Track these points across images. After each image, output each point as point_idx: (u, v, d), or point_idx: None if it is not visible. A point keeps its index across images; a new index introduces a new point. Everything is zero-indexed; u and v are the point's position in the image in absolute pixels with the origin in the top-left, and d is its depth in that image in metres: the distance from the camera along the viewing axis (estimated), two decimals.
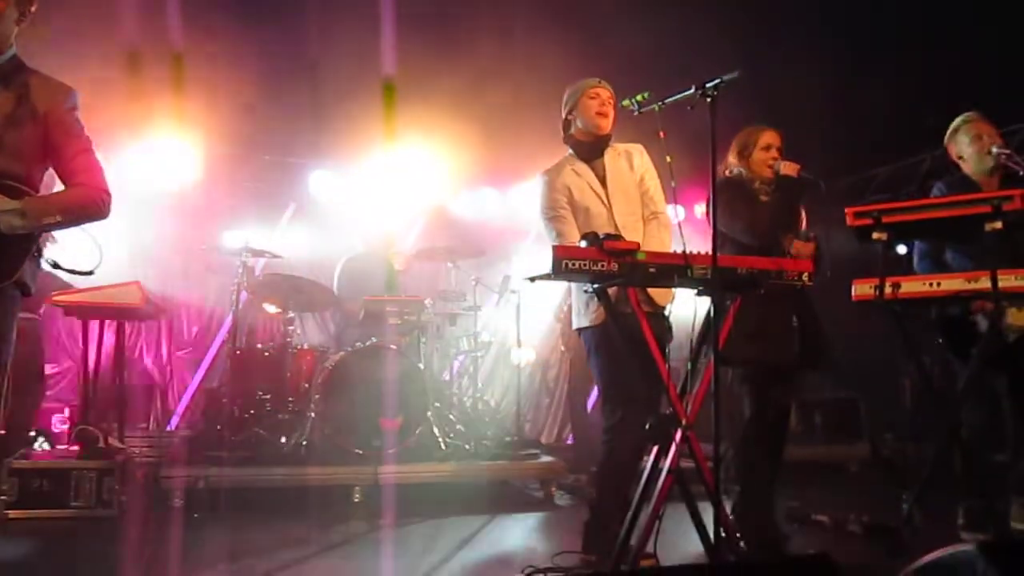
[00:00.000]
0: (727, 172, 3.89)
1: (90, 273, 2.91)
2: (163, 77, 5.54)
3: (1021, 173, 3.70)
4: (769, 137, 3.86)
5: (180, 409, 7.17)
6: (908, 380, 6.36)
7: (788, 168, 3.72)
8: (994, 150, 3.94)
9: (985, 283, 3.52)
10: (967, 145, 4.07)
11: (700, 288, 3.05)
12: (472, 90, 5.79)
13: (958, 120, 4.15)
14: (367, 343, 5.38)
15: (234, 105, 5.64)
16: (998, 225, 3.47)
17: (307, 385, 5.53)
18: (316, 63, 5.96)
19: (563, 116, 3.64)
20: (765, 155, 3.82)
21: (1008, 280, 3.52)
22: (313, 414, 5.28)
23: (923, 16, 5.25)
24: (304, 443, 5.18)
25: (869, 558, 3.38)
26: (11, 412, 4.49)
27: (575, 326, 3.60)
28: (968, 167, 4.10)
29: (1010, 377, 3.92)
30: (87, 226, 2.87)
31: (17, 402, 4.48)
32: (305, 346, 5.84)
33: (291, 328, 5.79)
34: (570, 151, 3.63)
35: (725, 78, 2.91)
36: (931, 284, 3.69)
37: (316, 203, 7.36)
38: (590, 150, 3.58)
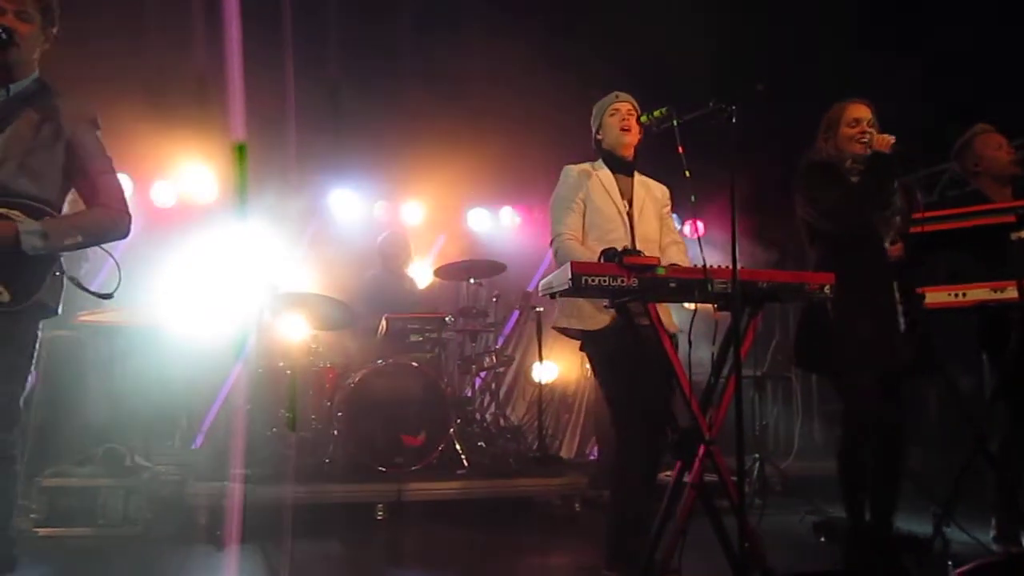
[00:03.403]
0: (815, 158, 3.58)
1: (110, 296, 2.94)
2: (186, 98, 5.62)
3: None
4: (856, 110, 3.52)
5: (204, 427, 7.21)
6: (933, 389, 6.29)
7: (880, 142, 3.40)
8: (1020, 158, 3.92)
9: (1012, 293, 3.50)
10: (987, 156, 4.03)
11: (720, 303, 3.03)
12: (496, 109, 5.83)
13: (970, 132, 4.11)
14: (388, 360, 5.40)
15: (257, 125, 5.71)
16: (1023, 234, 3.45)
17: (329, 403, 5.55)
18: (337, 84, 6.02)
19: (593, 135, 3.66)
20: (852, 131, 3.49)
21: None
22: (336, 432, 5.29)
23: (928, 27, 5.25)
24: (327, 460, 5.19)
25: (899, 570, 3.32)
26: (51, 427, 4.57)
27: (565, 326, 3.50)
28: (982, 181, 4.06)
29: None
30: (110, 248, 2.90)
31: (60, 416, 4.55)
32: (327, 364, 5.87)
33: (313, 347, 5.82)
34: (601, 160, 3.63)
35: (745, 94, 2.91)
36: (957, 294, 3.67)
37: (337, 221, 7.41)
38: (620, 165, 3.59)
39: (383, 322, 5.68)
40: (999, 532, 3.87)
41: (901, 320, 3.44)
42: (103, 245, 2.88)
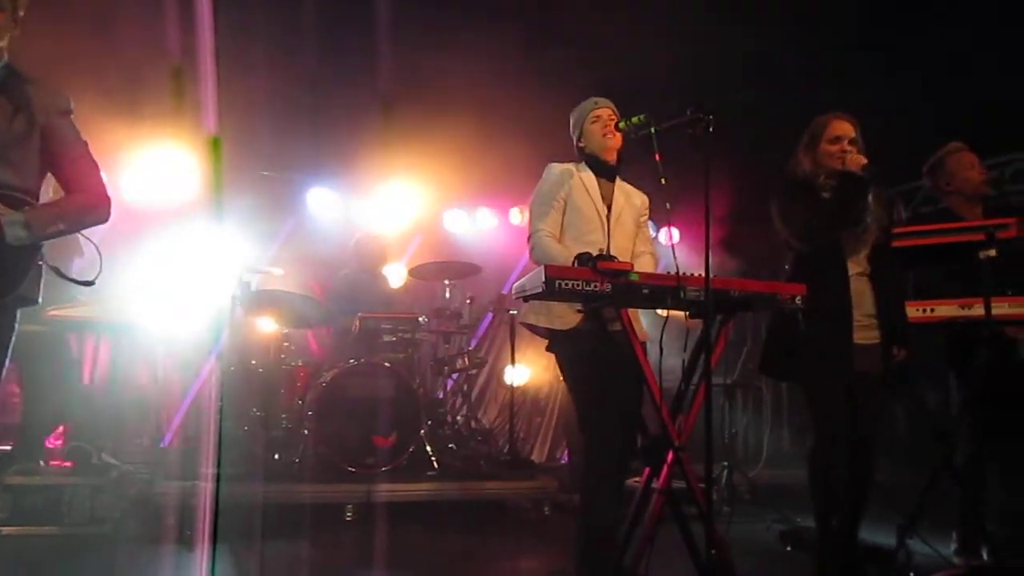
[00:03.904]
0: (794, 171, 3.58)
1: (91, 283, 2.90)
2: (163, 90, 5.55)
3: (1014, 202, 3.73)
4: (838, 127, 3.49)
5: (174, 425, 7.14)
6: (902, 405, 6.36)
7: (853, 162, 3.38)
8: (991, 177, 3.97)
9: (979, 310, 3.54)
10: (960, 175, 4.09)
11: (693, 310, 3.05)
12: (470, 111, 5.82)
13: (944, 151, 4.16)
14: (361, 360, 5.37)
15: (234, 119, 5.67)
16: (992, 253, 3.50)
17: (301, 402, 5.52)
18: (316, 81, 5.98)
19: (574, 142, 3.66)
20: (832, 147, 3.46)
21: (1001, 307, 3.55)
22: (307, 431, 5.26)
23: (905, 45, 5.32)
24: (297, 460, 5.16)
25: None
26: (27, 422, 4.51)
27: (532, 322, 3.48)
28: (953, 198, 4.11)
29: (1007, 400, 3.93)
30: (91, 235, 2.88)
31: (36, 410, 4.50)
32: (299, 363, 5.83)
33: (286, 344, 5.78)
34: (584, 162, 3.64)
35: (722, 102, 2.93)
36: (925, 310, 3.71)
37: (313, 220, 7.37)
38: (603, 169, 3.60)
39: (357, 321, 5.65)
40: (961, 545, 3.92)
41: (877, 333, 3.46)
42: (83, 232, 2.85)
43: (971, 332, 3.70)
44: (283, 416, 5.50)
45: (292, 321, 5.85)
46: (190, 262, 6.57)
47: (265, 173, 7.21)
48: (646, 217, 3.69)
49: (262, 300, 5.79)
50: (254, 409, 5.48)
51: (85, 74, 4.39)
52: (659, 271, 3.46)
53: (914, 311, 3.69)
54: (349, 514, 4.74)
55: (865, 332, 3.43)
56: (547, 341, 3.53)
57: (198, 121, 5.64)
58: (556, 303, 3.37)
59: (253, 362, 5.74)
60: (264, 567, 3.82)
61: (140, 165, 6.56)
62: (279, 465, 5.16)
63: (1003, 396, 3.90)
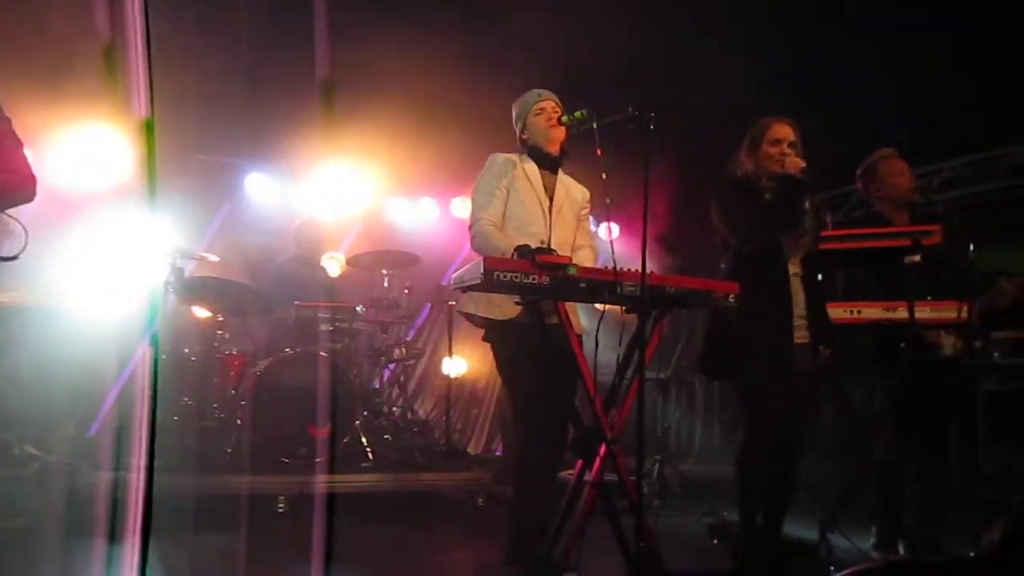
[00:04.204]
0: (736, 171, 3.62)
1: (14, 258, 2.81)
2: (92, 69, 5.38)
3: (940, 210, 3.85)
4: (779, 130, 3.54)
5: (101, 414, 6.94)
6: (829, 403, 6.54)
7: (792, 166, 3.44)
8: (919, 185, 4.10)
9: (903, 313, 3.66)
10: (889, 182, 4.21)
11: (629, 305, 3.09)
12: (413, 99, 5.78)
13: (875, 157, 4.28)
14: (297, 349, 5.31)
15: (168, 101, 5.52)
16: (917, 258, 3.62)
17: (234, 391, 5.43)
18: (254, 63, 5.87)
19: (517, 134, 3.66)
20: (773, 150, 3.51)
21: (924, 311, 3.68)
22: (239, 421, 5.18)
23: (841, 53, 5.45)
24: (229, 450, 5.08)
25: (785, 574, 3.45)
26: None
27: (471, 311, 3.49)
28: (883, 204, 4.24)
29: (925, 400, 4.08)
30: (15, 212, 2.79)
31: None
32: (233, 351, 5.73)
33: (219, 333, 5.68)
34: (526, 153, 3.64)
35: (664, 101, 2.97)
36: (852, 311, 3.82)
37: (251, 205, 7.23)
38: (544, 161, 3.61)
39: (293, 310, 5.58)
40: (879, 540, 4.05)
41: (807, 333, 3.54)
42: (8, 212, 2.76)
43: (895, 334, 3.83)
44: (215, 405, 5.41)
45: (227, 309, 5.75)
46: (121, 246, 6.40)
47: (201, 157, 7.05)
48: (587, 211, 3.72)
49: (196, 287, 5.68)
50: (186, 398, 5.38)
51: (9, 51, 4.24)
52: (598, 265, 3.50)
53: (842, 312, 3.78)
54: (281, 506, 4.68)
55: (797, 332, 3.51)
56: (484, 331, 3.53)
57: (129, 102, 5.48)
58: (495, 293, 3.37)
59: (186, 350, 5.63)
60: (193, 560, 3.75)
61: (69, 146, 6.36)
62: (210, 456, 5.07)
63: (923, 397, 4.05)
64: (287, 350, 5.32)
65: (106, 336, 6.43)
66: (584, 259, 3.57)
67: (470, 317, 3.52)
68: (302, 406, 5.10)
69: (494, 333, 3.48)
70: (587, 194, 3.71)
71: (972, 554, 3.33)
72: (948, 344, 4.02)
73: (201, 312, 5.82)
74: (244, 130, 6.53)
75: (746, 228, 3.50)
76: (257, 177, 7.17)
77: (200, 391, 5.43)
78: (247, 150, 7.01)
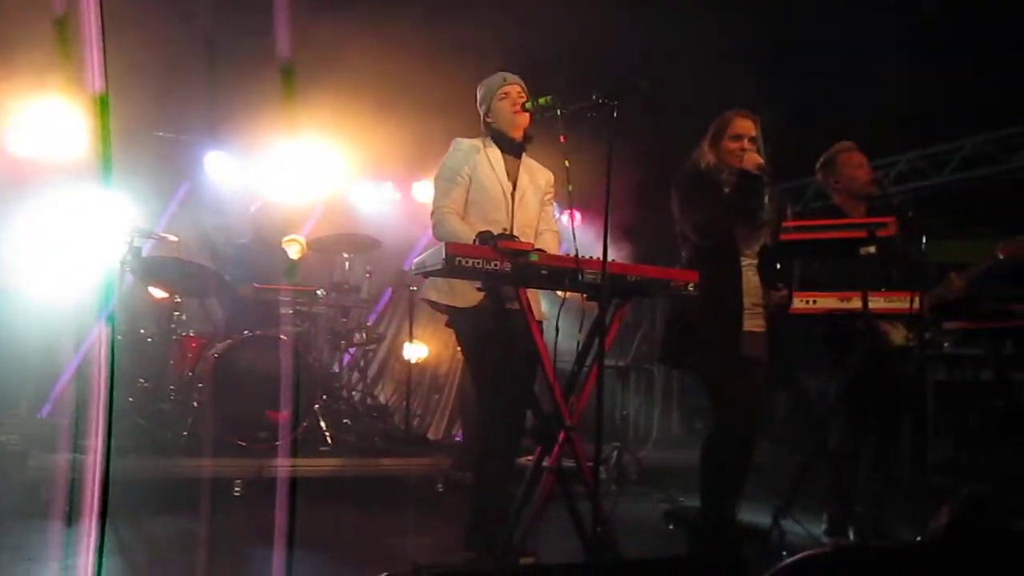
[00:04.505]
0: (698, 163, 3.65)
1: None
2: (42, 44, 5.23)
3: (895, 202, 3.92)
4: (740, 125, 3.59)
5: (53, 395, 6.81)
6: (783, 391, 6.65)
7: (750, 161, 3.50)
8: (876, 178, 4.17)
9: (857, 303, 3.73)
10: (847, 174, 4.28)
11: (590, 293, 3.10)
12: (375, 81, 5.72)
13: (834, 149, 4.35)
14: (255, 332, 5.26)
15: (125, 76, 5.40)
16: (872, 250, 3.68)
17: (191, 373, 5.36)
18: (213, 40, 5.76)
19: (481, 116, 3.65)
20: (733, 145, 3.56)
21: (877, 302, 3.75)
22: (196, 404, 5.12)
23: (802, 47, 5.51)
24: (185, 434, 5.02)
25: (738, 560, 3.50)
26: None
27: (434, 299, 3.49)
28: (841, 196, 4.31)
29: (877, 390, 4.17)
30: None
31: None
32: (191, 333, 5.66)
33: (176, 314, 5.59)
34: (490, 137, 3.62)
35: (628, 89, 2.97)
36: (808, 301, 3.89)
37: (210, 185, 7.11)
38: (508, 145, 3.60)
39: (252, 292, 5.51)
40: (830, 526, 4.15)
41: (762, 321, 3.59)
42: None
43: (849, 324, 3.90)
44: (172, 387, 5.33)
45: (185, 290, 5.66)
46: (76, 224, 6.27)
47: (160, 134, 6.92)
48: (550, 195, 3.72)
49: (153, 267, 5.58)
50: (141, 380, 5.30)
51: None
52: (561, 251, 3.52)
53: (798, 302, 3.84)
54: (238, 489, 4.65)
55: (752, 320, 3.56)
56: (447, 317, 3.53)
57: (82, 76, 5.34)
58: (458, 280, 3.37)
59: (142, 331, 5.53)
60: (147, 543, 3.71)
61: (22, 118, 6.19)
62: (166, 438, 5.01)
63: (874, 386, 4.14)
64: (246, 332, 5.26)
65: (60, 316, 6.32)
66: (547, 243, 3.57)
67: (434, 305, 3.52)
68: (260, 389, 5.05)
69: (457, 320, 3.48)
70: (551, 178, 3.71)
71: (919, 539, 3.42)
72: (899, 335, 4.11)
73: (158, 292, 5.72)
74: (204, 108, 6.43)
75: (702, 224, 3.55)
76: (217, 156, 7.06)
77: (156, 373, 5.36)
78: (207, 128, 6.89)
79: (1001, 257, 4.23)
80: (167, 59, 5.70)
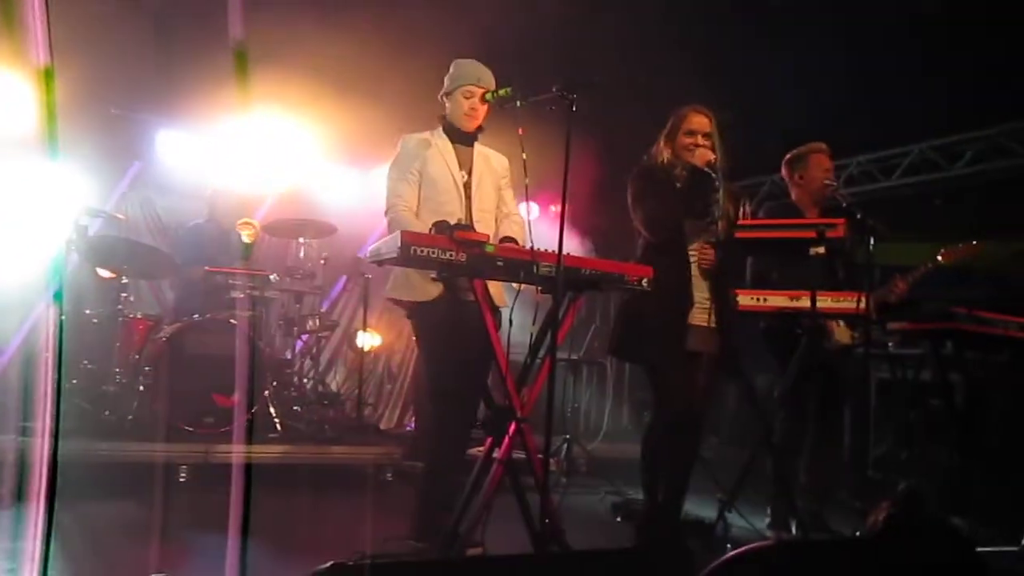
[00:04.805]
0: (654, 158, 3.69)
1: None
2: None
3: (844, 204, 4.00)
4: (695, 121, 3.64)
5: None
6: (732, 386, 6.76)
7: (699, 158, 3.54)
8: (828, 182, 4.25)
9: (805, 302, 3.81)
10: (812, 174, 4.35)
11: (544, 286, 3.11)
12: (335, 65, 5.65)
13: (807, 148, 4.43)
14: (205, 316, 5.18)
15: (75, 51, 5.25)
16: (821, 250, 3.76)
17: (137, 356, 5.27)
18: (164, 16, 5.62)
19: (441, 92, 3.63)
20: (687, 140, 3.61)
21: (825, 301, 3.83)
22: (142, 387, 5.03)
23: (765, 47, 5.58)
24: (130, 417, 4.93)
25: (684, 552, 3.55)
26: None
27: (396, 296, 3.51)
28: (798, 193, 4.39)
29: (820, 387, 4.26)
30: None
31: None
32: (138, 315, 5.55)
33: (124, 295, 5.48)
34: (440, 128, 3.62)
35: (587, 82, 2.98)
36: (758, 299, 3.95)
37: (163, 165, 6.97)
38: (459, 135, 3.60)
39: (203, 275, 5.43)
40: (773, 519, 4.23)
41: (713, 318, 3.63)
42: None
43: (796, 321, 3.98)
44: (117, 370, 5.23)
45: (133, 271, 5.55)
46: (23, 200, 6.10)
47: (113, 111, 6.75)
48: (507, 179, 3.71)
49: (101, 247, 5.46)
50: (85, 361, 5.19)
51: None
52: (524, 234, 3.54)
53: (748, 300, 3.91)
54: (183, 475, 4.59)
55: (702, 315, 3.61)
56: (407, 311, 3.54)
57: (26, 48, 5.17)
58: (415, 276, 3.38)
59: (87, 312, 5.41)
60: (87, 529, 3.64)
61: None
62: (110, 422, 4.91)
63: (818, 383, 4.24)
64: (196, 316, 5.18)
65: (3, 295, 6.14)
66: (511, 228, 3.59)
67: (398, 302, 3.53)
68: (209, 374, 4.99)
69: (415, 315, 3.50)
70: (506, 162, 3.71)
71: (859, 534, 3.51)
72: (843, 334, 4.21)
73: (105, 273, 5.60)
74: (157, 86, 6.27)
75: (651, 217, 3.60)
76: (170, 135, 6.91)
77: (101, 355, 5.25)
78: (160, 107, 6.74)
79: (941, 262, 4.36)
80: (118, 35, 5.56)
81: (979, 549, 3.23)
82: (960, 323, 4.10)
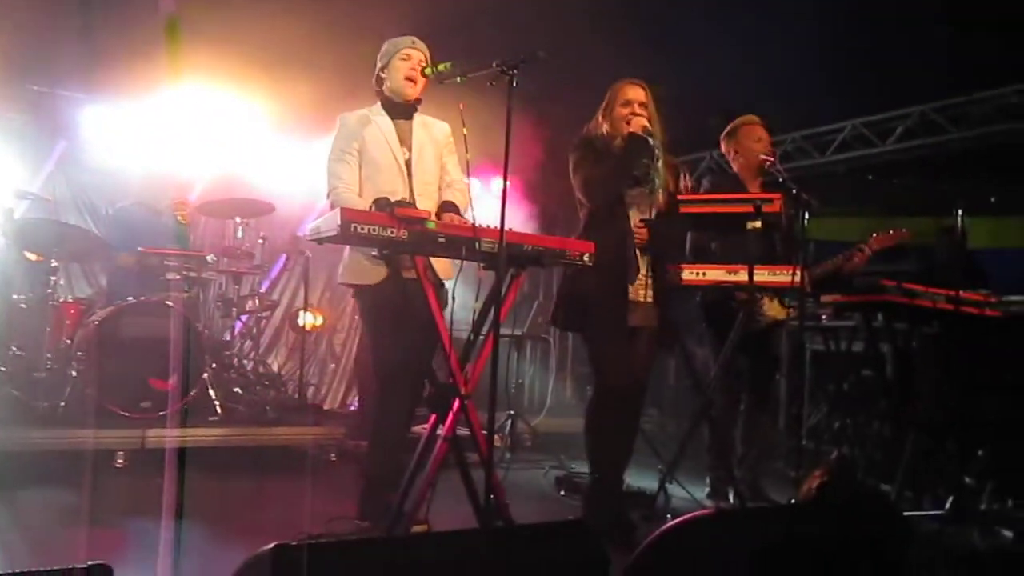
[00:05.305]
0: (593, 133, 3.71)
1: None
2: None
3: (781, 179, 4.08)
4: (629, 91, 3.67)
5: None
6: (672, 359, 6.87)
7: (635, 125, 3.56)
8: (764, 156, 4.32)
9: (743, 276, 3.89)
10: (745, 145, 4.43)
11: (486, 262, 3.11)
12: (272, 37, 5.50)
13: (739, 120, 4.50)
14: (139, 298, 5.05)
15: None
16: (758, 224, 3.84)
17: (69, 341, 5.12)
18: None
19: (376, 71, 3.59)
20: (623, 111, 3.64)
21: (762, 275, 3.92)
22: (75, 373, 4.90)
23: (706, 23, 5.63)
24: (63, 404, 4.80)
25: (626, 524, 3.62)
26: None
27: (345, 281, 3.53)
28: (739, 166, 4.47)
29: (753, 361, 4.36)
30: None
31: None
32: (69, 299, 5.39)
33: (54, 279, 5.30)
34: (379, 103, 3.59)
35: (527, 58, 2.96)
36: (697, 273, 4.02)
37: (90, 142, 6.72)
38: (398, 110, 3.56)
39: (137, 257, 5.29)
40: (712, 489, 4.34)
41: (649, 292, 3.66)
42: None
43: (729, 296, 4.06)
44: (48, 356, 5.07)
45: (63, 254, 5.38)
46: None
47: (34, 88, 6.49)
48: (450, 146, 3.68)
49: (28, 230, 5.28)
50: (14, 348, 5.02)
51: None
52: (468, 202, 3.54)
53: (688, 274, 3.97)
54: (120, 460, 4.49)
55: (641, 290, 3.64)
56: (351, 291, 3.55)
57: None
58: (364, 260, 3.37)
59: (15, 296, 5.23)
60: (19, 517, 3.54)
61: None
62: (41, 408, 4.77)
63: (754, 356, 4.34)
64: (129, 299, 5.05)
65: None
66: (455, 195, 3.57)
67: (352, 287, 3.53)
68: (144, 357, 4.88)
69: (361, 296, 3.49)
70: (447, 131, 3.67)
71: (793, 501, 3.61)
72: (776, 308, 4.30)
73: (33, 256, 5.42)
74: (82, 60, 6.02)
75: (588, 182, 3.60)
76: (97, 112, 6.67)
77: (31, 341, 5.08)
78: (86, 83, 6.48)
79: (876, 247, 4.49)
80: (36, 5, 5.33)
81: (907, 513, 3.37)
82: (891, 295, 4.23)
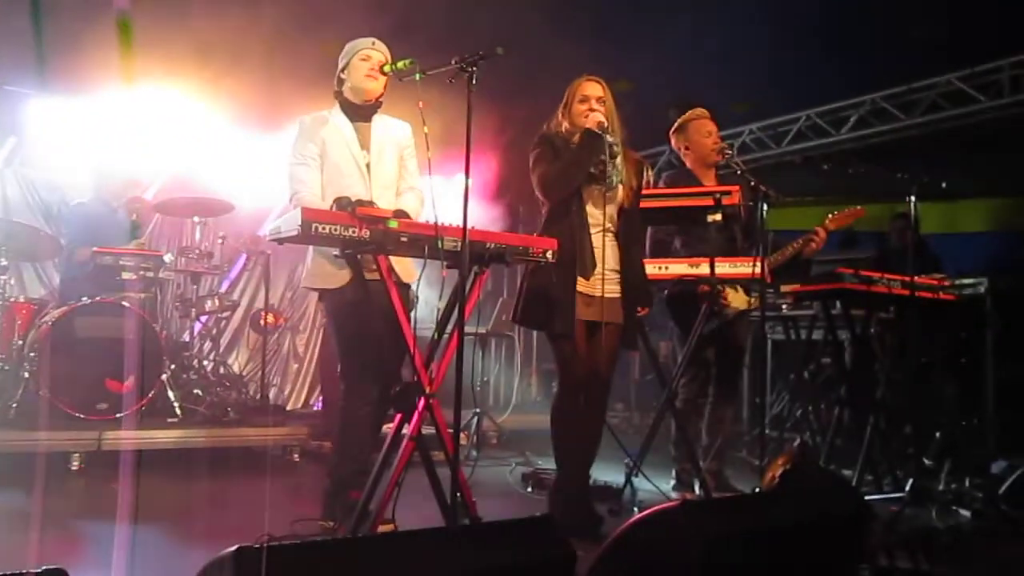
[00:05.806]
0: (553, 130, 3.68)
1: None
2: None
3: (739, 171, 4.11)
4: (586, 88, 3.65)
5: None
6: (637, 353, 6.90)
7: (591, 121, 3.53)
8: (721, 147, 4.35)
9: (705, 269, 3.92)
10: (695, 140, 4.45)
11: (450, 260, 3.08)
12: (230, 30, 5.39)
13: (688, 115, 4.52)
14: (95, 298, 4.95)
15: None
16: (718, 217, 3.87)
17: (21, 342, 5.01)
18: None
19: (337, 72, 3.57)
20: (581, 107, 3.61)
21: (723, 267, 3.95)
22: (27, 374, 4.79)
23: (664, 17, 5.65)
24: (14, 405, 4.70)
25: (593, 518, 3.63)
26: None
27: (309, 285, 3.53)
28: (691, 160, 4.49)
29: (718, 351, 4.40)
30: None
31: None
32: (21, 299, 5.27)
33: (4, 278, 5.18)
34: (338, 106, 3.56)
35: (486, 54, 2.94)
36: (660, 268, 4.04)
37: (40, 139, 6.55)
38: (358, 111, 3.54)
39: (91, 256, 5.18)
40: (678, 481, 4.37)
41: (618, 287, 3.64)
42: None
43: (695, 288, 4.09)
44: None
45: (12, 252, 5.25)
46: None
47: None
48: (411, 148, 3.66)
49: None
50: None
51: None
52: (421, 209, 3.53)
53: (651, 268, 3.99)
54: (75, 463, 4.40)
55: (608, 286, 3.63)
56: (316, 293, 3.53)
57: None
58: (328, 264, 3.35)
59: None
60: None
61: None
62: None
63: (717, 347, 4.38)
64: (84, 299, 4.94)
65: None
66: (408, 202, 3.54)
67: (319, 291, 3.51)
68: (100, 358, 4.79)
69: (326, 298, 3.48)
70: (408, 129, 3.64)
71: (757, 490, 3.66)
72: (739, 299, 4.34)
73: None
74: (28, 53, 5.84)
75: (545, 176, 3.57)
76: (47, 107, 6.49)
77: None
78: (34, 76, 6.29)
79: (833, 227, 4.55)
80: None
81: (868, 497, 3.43)
82: (847, 283, 4.29)
